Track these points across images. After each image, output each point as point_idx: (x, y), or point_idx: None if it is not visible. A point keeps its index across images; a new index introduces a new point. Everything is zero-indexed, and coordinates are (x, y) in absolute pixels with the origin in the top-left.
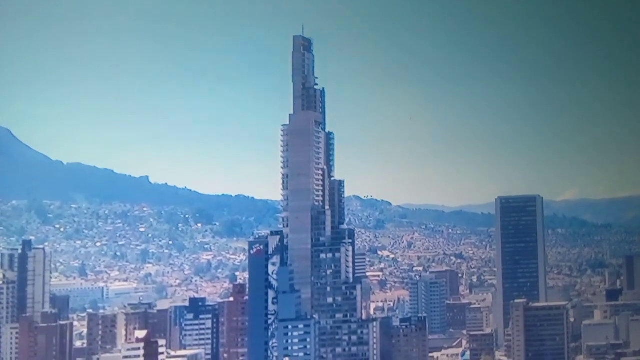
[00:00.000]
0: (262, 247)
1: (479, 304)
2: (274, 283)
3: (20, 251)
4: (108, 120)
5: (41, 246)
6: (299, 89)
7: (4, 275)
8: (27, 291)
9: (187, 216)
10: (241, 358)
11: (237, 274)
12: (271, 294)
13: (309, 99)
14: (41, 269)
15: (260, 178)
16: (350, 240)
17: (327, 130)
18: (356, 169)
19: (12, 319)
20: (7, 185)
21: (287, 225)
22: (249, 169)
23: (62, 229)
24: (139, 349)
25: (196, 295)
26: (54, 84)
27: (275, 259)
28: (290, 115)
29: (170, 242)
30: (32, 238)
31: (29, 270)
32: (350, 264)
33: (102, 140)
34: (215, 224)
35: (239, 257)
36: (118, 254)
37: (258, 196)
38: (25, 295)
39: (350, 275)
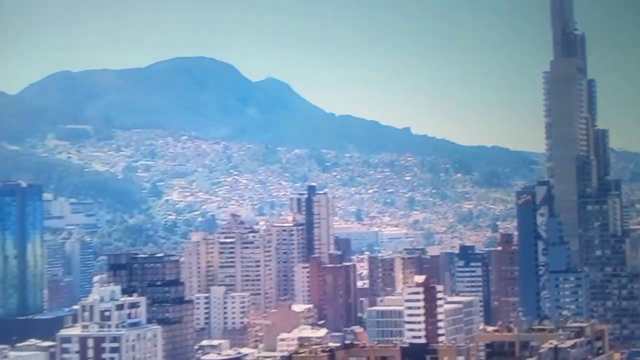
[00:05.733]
0: (529, 197)
1: None
2: (543, 234)
3: (306, 196)
4: (371, 75)
5: (323, 192)
6: (558, 34)
7: (294, 218)
8: (313, 233)
9: (447, 166)
10: (512, 306)
11: (498, 223)
12: (540, 244)
13: (569, 44)
14: (325, 212)
15: (514, 129)
16: (617, 192)
17: (588, 78)
18: (609, 119)
19: (302, 258)
20: (290, 135)
21: (552, 176)
22: (504, 119)
23: (338, 176)
24: (418, 293)
25: (461, 243)
26: (325, 44)
27: (544, 210)
28: (550, 61)
29: (434, 191)
30: (314, 184)
31: (315, 214)
32: (618, 217)
33: (368, 94)
34: (474, 174)
35: (499, 207)
36: (388, 200)
37: (512, 147)
38: (312, 237)
39: (619, 228)
